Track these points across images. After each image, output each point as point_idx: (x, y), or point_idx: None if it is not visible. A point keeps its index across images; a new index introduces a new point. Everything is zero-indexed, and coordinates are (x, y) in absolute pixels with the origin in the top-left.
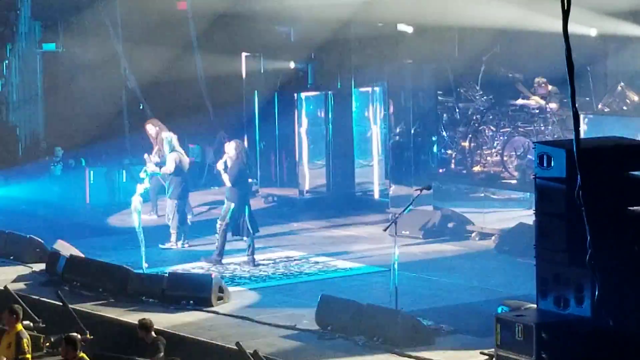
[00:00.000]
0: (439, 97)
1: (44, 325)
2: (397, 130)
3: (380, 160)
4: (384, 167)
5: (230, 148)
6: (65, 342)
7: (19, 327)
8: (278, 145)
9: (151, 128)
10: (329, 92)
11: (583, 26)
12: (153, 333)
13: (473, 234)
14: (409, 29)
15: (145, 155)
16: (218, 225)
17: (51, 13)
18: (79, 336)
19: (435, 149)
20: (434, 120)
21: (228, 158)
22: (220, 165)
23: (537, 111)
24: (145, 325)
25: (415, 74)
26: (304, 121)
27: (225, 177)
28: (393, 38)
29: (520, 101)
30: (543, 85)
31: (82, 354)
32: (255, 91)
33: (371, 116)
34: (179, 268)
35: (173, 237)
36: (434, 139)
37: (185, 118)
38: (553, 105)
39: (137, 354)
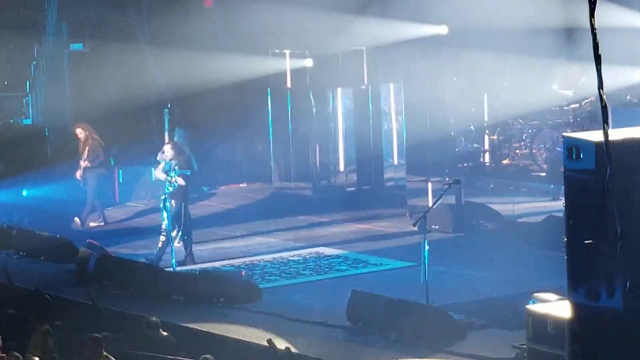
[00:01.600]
0: (467, 91)
1: (74, 325)
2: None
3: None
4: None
5: (168, 149)
6: (91, 342)
7: (46, 326)
8: (309, 142)
9: (80, 132)
10: (360, 87)
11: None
12: (162, 331)
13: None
14: (443, 30)
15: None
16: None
17: (78, 13)
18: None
19: (455, 143)
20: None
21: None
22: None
23: (566, 103)
24: (154, 325)
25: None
26: (339, 117)
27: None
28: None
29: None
30: (577, 75)
31: (106, 354)
32: (269, 89)
33: (393, 111)
34: (209, 266)
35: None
36: (452, 133)
37: (212, 116)
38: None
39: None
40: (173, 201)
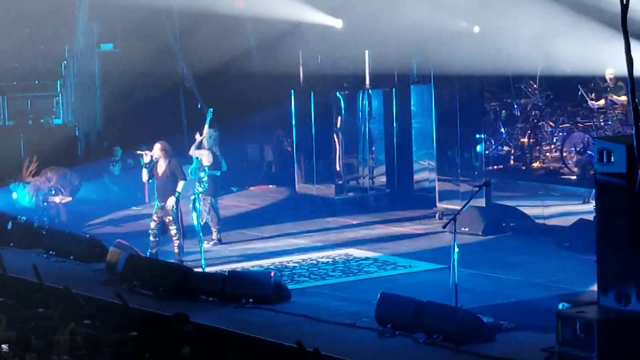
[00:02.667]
0: (497, 94)
1: (103, 325)
2: (444, 127)
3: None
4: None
5: (156, 150)
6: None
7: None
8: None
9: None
10: (389, 89)
11: None
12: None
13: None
14: (475, 28)
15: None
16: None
17: (109, 13)
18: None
19: (480, 146)
20: (482, 116)
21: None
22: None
23: (597, 106)
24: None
25: (467, 71)
26: (367, 118)
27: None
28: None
29: (590, 104)
30: (610, 79)
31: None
32: (292, 90)
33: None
34: (238, 266)
35: (215, 235)
36: (481, 136)
37: (242, 116)
38: (620, 99)
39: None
40: (202, 201)
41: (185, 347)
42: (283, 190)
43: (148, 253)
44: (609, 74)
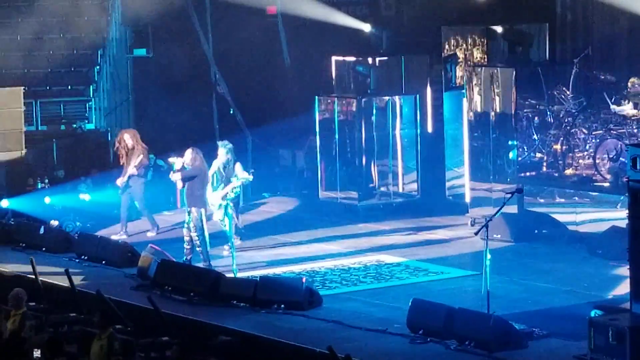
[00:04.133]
0: (531, 100)
1: (135, 330)
2: (478, 134)
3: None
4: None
5: (187, 156)
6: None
7: (110, 330)
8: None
9: (128, 138)
10: (417, 95)
11: None
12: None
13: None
14: (499, 29)
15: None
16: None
17: (141, 18)
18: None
19: (513, 153)
20: (515, 123)
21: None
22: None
23: (631, 114)
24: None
25: (501, 77)
26: (397, 124)
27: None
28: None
29: (614, 107)
30: (637, 86)
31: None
32: (316, 97)
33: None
34: (270, 272)
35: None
36: (514, 142)
37: (274, 122)
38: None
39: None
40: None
41: None
42: (314, 195)
43: (183, 259)
44: (632, 82)
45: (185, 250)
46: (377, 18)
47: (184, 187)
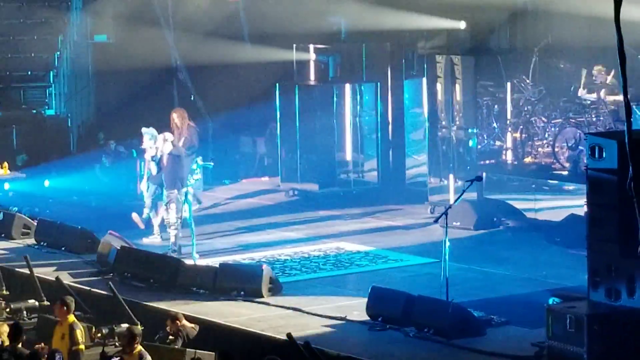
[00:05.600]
0: (491, 89)
1: (95, 317)
2: (439, 122)
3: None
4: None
5: (160, 140)
6: (130, 334)
7: (72, 318)
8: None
9: (176, 117)
10: (378, 83)
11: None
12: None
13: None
14: (461, 24)
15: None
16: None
17: (102, 4)
18: (140, 329)
19: (473, 141)
20: (475, 111)
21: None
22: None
23: (590, 102)
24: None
25: (461, 65)
26: (358, 112)
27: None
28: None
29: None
30: (602, 73)
31: (139, 347)
32: (276, 84)
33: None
34: (230, 259)
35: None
36: (474, 130)
37: (235, 109)
38: (609, 96)
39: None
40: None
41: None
42: (276, 183)
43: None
44: (597, 70)
45: (171, 236)
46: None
47: (159, 171)
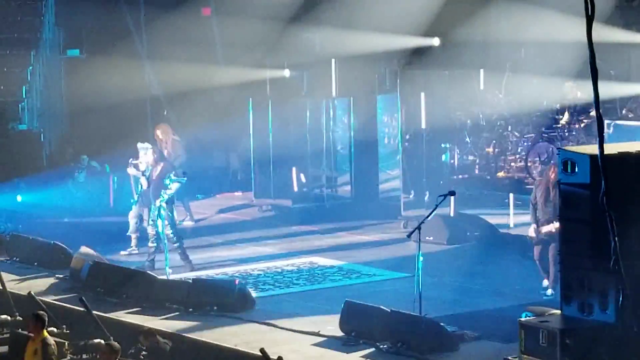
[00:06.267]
0: (464, 104)
1: (68, 332)
2: (409, 136)
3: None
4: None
5: (150, 155)
6: (109, 350)
7: (45, 333)
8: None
9: (160, 134)
10: (351, 98)
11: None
12: (159, 338)
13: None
14: (436, 41)
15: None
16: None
17: (75, 19)
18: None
19: (446, 155)
20: (447, 126)
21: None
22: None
23: (561, 117)
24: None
25: (435, 80)
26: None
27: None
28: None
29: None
30: (573, 89)
31: None
32: (250, 99)
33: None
34: (203, 274)
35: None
36: (446, 145)
37: (209, 124)
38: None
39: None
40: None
41: None
42: (249, 198)
43: (146, 262)
44: (568, 86)
45: (149, 249)
46: (311, 21)
47: (149, 186)
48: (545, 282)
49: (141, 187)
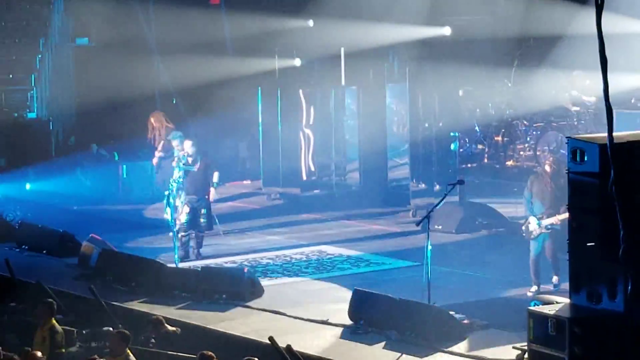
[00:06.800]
0: (472, 93)
1: (76, 320)
2: (421, 126)
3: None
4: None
5: (188, 146)
6: (119, 338)
7: (53, 321)
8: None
9: (155, 121)
10: (361, 87)
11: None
12: (167, 326)
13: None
14: (447, 31)
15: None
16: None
17: (84, 8)
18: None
19: (454, 144)
20: (457, 115)
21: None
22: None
23: (571, 106)
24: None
25: (442, 70)
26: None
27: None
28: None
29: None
30: (580, 78)
31: (127, 350)
32: (259, 87)
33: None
34: (212, 262)
35: None
36: (456, 134)
37: (217, 113)
38: (590, 99)
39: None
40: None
41: None
42: (257, 186)
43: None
44: (576, 74)
45: (181, 239)
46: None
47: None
48: (555, 279)
49: (181, 177)
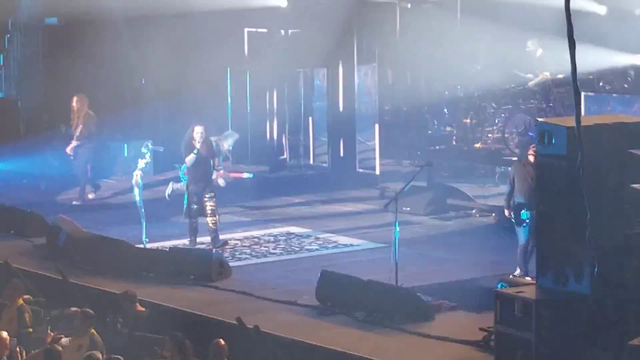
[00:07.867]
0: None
1: (44, 300)
2: (387, 107)
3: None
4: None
5: (200, 132)
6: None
7: (20, 301)
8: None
9: (76, 102)
10: (330, 68)
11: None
12: (138, 306)
13: (473, 211)
14: (408, 4)
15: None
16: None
17: None
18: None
19: (426, 125)
20: (426, 96)
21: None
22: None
23: (538, 89)
24: (131, 298)
25: (409, 51)
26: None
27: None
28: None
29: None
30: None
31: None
32: (227, 68)
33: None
34: (180, 243)
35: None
36: (424, 116)
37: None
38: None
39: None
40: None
41: None
42: (226, 167)
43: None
44: (532, 44)
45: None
46: None
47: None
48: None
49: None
